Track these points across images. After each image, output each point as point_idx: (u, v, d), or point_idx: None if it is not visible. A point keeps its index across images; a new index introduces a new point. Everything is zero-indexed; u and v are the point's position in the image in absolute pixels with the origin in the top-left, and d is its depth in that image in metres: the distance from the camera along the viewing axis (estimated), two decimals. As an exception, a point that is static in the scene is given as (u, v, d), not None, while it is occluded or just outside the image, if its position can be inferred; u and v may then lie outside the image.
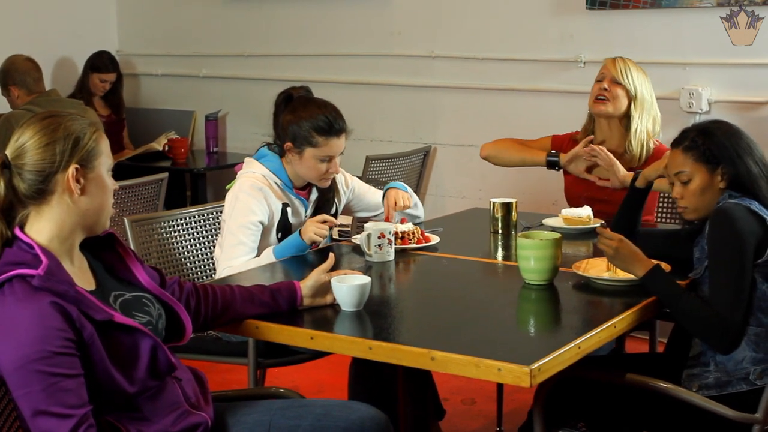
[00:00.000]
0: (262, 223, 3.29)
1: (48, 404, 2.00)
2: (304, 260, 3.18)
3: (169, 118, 6.62)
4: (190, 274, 3.57)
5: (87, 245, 2.28)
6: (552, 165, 3.95)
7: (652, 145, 3.86)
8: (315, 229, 3.19)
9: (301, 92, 3.46)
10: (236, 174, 3.45)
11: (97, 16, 6.74)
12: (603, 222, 3.52)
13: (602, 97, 3.85)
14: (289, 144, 3.34)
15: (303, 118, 3.32)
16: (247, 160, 3.46)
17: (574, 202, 3.94)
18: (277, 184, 3.36)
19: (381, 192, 3.71)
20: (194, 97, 6.60)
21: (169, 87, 6.72)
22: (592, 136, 3.88)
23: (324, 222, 3.22)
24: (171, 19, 6.64)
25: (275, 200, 3.34)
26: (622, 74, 3.84)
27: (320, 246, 3.31)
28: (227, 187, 3.43)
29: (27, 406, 2.01)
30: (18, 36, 6.05)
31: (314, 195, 3.49)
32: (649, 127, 3.86)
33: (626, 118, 3.85)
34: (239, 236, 3.24)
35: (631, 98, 3.83)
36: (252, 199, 3.28)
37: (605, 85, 3.85)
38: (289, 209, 3.38)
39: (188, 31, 6.57)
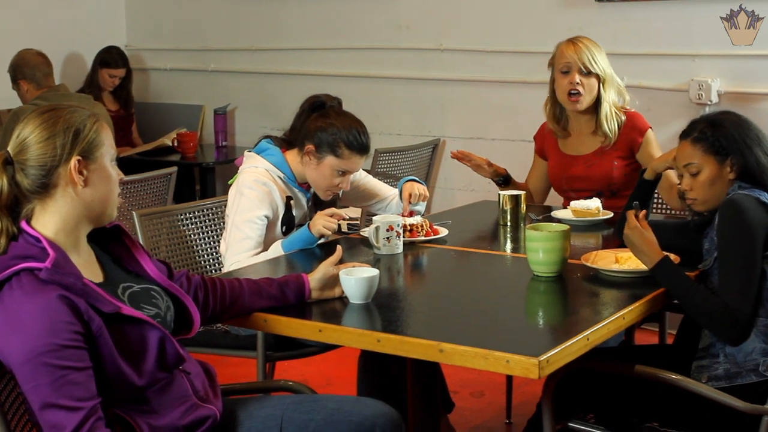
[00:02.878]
0: (267, 218, 3.29)
1: (56, 397, 2.00)
2: (312, 253, 3.18)
3: (177, 112, 6.63)
4: (199, 268, 3.57)
5: (94, 237, 2.28)
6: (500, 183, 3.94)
7: (623, 116, 3.81)
8: (324, 222, 3.19)
9: (334, 102, 3.44)
10: (237, 168, 3.45)
11: (105, 10, 6.75)
12: (612, 214, 3.52)
13: (575, 92, 3.76)
14: (311, 147, 3.31)
15: (335, 126, 3.29)
16: (247, 153, 3.44)
17: (557, 184, 3.95)
18: (280, 177, 3.36)
19: (377, 180, 3.72)
20: (203, 91, 6.60)
21: (177, 81, 6.73)
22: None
23: (332, 215, 3.22)
24: (179, 13, 6.65)
25: (279, 194, 3.33)
26: (590, 62, 3.75)
27: (328, 239, 3.31)
28: (229, 182, 3.43)
29: (36, 399, 2.02)
30: (26, 31, 6.06)
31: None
32: (615, 99, 3.81)
33: (596, 99, 3.80)
34: (245, 231, 3.24)
35: (601, 81, 3.77)
36: (256, 193, 3.28)
37: (576, 78, 3.75)
38: (292, 202, 3.38)
39: (197, 25, 6.57)
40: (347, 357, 3.52)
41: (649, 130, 3.82)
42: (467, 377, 4.27)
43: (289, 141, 3.43)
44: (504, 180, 3.93)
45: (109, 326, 2.11)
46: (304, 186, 3.43)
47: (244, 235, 3.24)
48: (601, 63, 3.77)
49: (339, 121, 3.32)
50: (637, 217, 2.79)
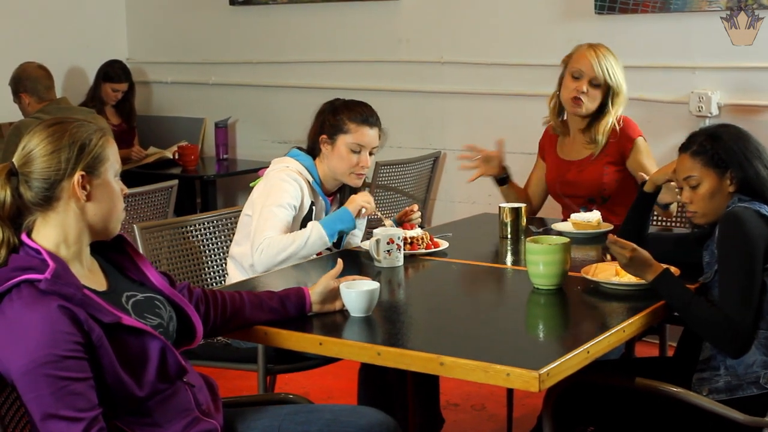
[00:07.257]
0: (294, 208, 3.34)
1: (57, 408, 2.01)
2: (313, 266, 3.19)
3: (178, 125, 6.64)
4: (201, 282, 3.57)
5: (98, 248, 2.29)
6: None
7: (615, 127, 3.80)
8: (363, 200, 3.32)
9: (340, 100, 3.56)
10: (259, 175, 3.50)
11: (106, 24, 6.77)
12: (612, 227, 3.52)
13: (579, 98, 3.77)
14: (323, 136, 3.44)
15: (341, 113, 3.44)
16: (276, 159, 3.52)
17: (552, 188, 3.97)
18: (308, 181, 3.42)
19: None
20: (204, 104, 6.62)
21: (178, 94, 6.74)
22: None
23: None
24: (180, 27, 6.67)
25: (307, 193, 3.40)
26: (605, 74, 3.73)
27: (343, 245, 3.32)
28: (251, 184, 3.49)
29: (37, 410, 2.02)
30: (28, 44, 6.08)
31: (336, 205, 3.53)
32: (619, 113, 3.81)
33: (599, 107, 3.78)
34: (276, 213, 3.30)
35: (611, 93, 3.76)
36: (287, 184, 3.36)
37: (584, 87, 3.75)
38: (314, 208, 3.42)
39: (198, 38, 6.59)
40: (348, 370, 3.51)
41: (640, 137, 3.81)
42: (468, 390, 4.27)
43: (312, 150, 3.50)
44: (502, 180, 3.94)
45: (110, 336, 2.11)
46: (330, 198, 3.47)
47: (274, 216, 3.29)
48: (617, 76, 3.75)
49: (345, 108, 3.46)
50: (615, 242, 2.77)
